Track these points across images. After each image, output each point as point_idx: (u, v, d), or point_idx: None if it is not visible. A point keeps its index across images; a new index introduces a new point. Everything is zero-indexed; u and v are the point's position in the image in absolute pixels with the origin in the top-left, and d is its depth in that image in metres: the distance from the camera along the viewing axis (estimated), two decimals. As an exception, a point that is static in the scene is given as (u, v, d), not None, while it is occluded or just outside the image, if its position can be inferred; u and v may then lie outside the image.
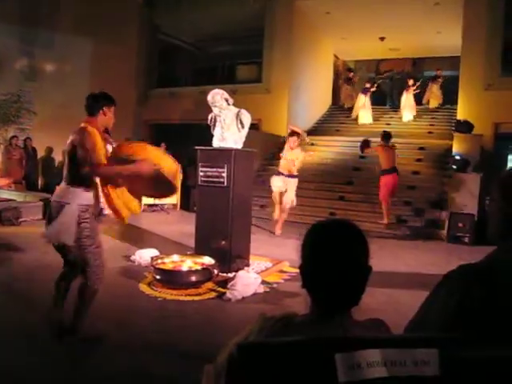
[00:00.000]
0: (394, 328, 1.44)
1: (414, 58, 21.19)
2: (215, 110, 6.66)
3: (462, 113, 13.24)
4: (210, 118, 6.82)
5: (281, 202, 9.52)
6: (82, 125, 3.98)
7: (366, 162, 13.41)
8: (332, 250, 1.29)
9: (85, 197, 3.92)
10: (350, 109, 18.10)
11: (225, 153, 6.58)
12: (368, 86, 17.39)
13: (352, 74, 19.39)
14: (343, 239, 1.31)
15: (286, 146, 9.58)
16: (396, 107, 17.82)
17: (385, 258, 8.05)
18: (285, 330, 1.30)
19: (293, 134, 9.53)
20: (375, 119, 16.92)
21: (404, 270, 7.40)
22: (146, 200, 12.84)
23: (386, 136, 10.93)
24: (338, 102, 19.85)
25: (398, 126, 15.62)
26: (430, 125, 16.00)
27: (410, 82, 16.91)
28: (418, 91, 17.01)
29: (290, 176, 9.47)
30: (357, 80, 19.15)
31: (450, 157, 12.31)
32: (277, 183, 9.50)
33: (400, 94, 17.39)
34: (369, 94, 17.21)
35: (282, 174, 9.51)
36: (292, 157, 9.41)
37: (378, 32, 17.55)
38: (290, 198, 9.37)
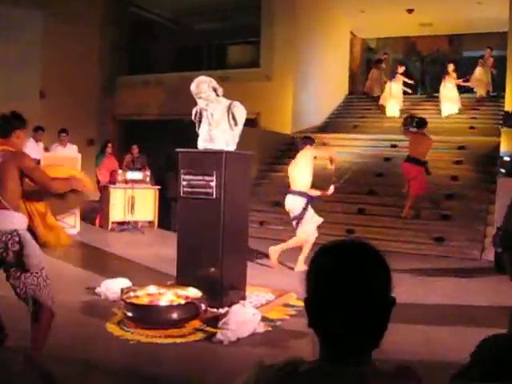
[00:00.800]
0: (429, 374, 1.44)
1: (449, 34, 21.41)
2: (201, 103, 6.66)
3: (511, 103, 13.32)
4: (194, 112, 6.86)
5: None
6: (5, 147, 4.57)
7: (391, 165, 13.49)
8: (344, 278, 1.31)
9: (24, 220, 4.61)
10: (377, 98, 18.19)
11: (213, 156, 6.59)
12: (400, 70, 17.49)
13: (385, 55, 19.58)
14: (357, 265, 1.33)
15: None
16: (428, 94, 17.90)
17: (415, 285, 8.09)
18: (287, 380, 1.30)
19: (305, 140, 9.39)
20: (403, 111, 17.00)
21: (440, 301, 7.48)
22: (116, 216, 12.91)
23: (419, 122, 11.69)
24: (356, 90, 20.00)
25: (433, 120, 15.64)
26: (472, 118, 16.09)
27: (450, 67, 16.89)
28: (466, 83, 16.93)
29: (295, 192, 9.06)
30: (386, 63, 19.34)
31: (497, 158, 12.53)
32: (287, 204, 9.23)
33: (433, 80, 17.43)
34: (398, 79, 17.31)
35: (289, 191, 9.23)
36: (302, 161, 9.07)
37: (406, 3, 17.67)
38: (303, 231, 8.98)
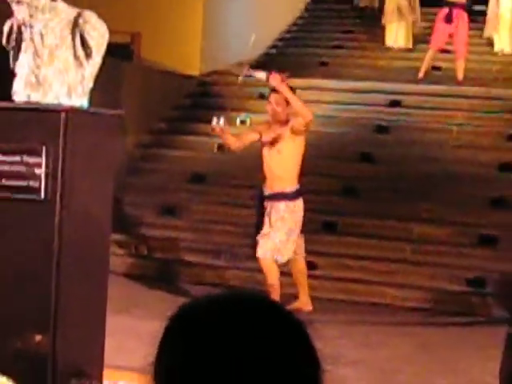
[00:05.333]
0: None
1: None
2: (20, 13, 5.55)
3: None
4: (6, 29, 5.76)
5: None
6: None
7: (390, 140, 11.48)
8: (222, 364, 1.19)
9: None
10: (369, 11, 15.29)
11: (42, 117, 5.51)
12: None
13: None
14: (244, 342, 1.20)
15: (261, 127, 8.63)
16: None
17: (429, 369, 6.95)
18: None
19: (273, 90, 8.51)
20: (417, 40, 14.11)
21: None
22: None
23: None
24: None
25: (472, 58, 13.17)
26: None
27: None
28: None
29: (279, 197, 8.34)
30: None
31: None
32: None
33: None
34: None
35: (266, 197, 8.45)
36: (282, 146, 8.28)
37: None
38: (287, 251, 8.35)
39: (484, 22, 14.48)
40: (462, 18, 12.41)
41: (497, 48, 14.06)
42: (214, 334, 1.19)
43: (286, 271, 8.22)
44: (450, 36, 12.77)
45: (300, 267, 8.58)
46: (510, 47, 14.05)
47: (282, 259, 8.43)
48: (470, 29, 14.61)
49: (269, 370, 1.17)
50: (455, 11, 12.42)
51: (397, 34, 14.41)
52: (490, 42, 14.46)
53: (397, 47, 14.48)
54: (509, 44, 13.99)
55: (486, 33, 14.14)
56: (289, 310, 1.26)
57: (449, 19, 12.43)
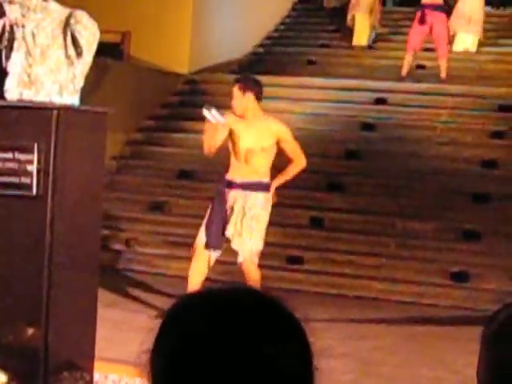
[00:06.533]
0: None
1: None
2: (13, 12, 5.66)
3: None
4: None
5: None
6: None
7: (376, 137, 11.50)
8: (218, 358, 1.19)
9: None
10: (340, 11, 15.03)
11: (34, 114, 5.61)
12: None
13: None
14: (239, 336, 1.19)
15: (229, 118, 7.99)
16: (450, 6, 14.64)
17: (413, 362, 7.02)
18: None
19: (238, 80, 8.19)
20: (384, 40, 14.30)
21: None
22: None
23: None
24: None
25: (457, 56, 13.32)
26: None
27: None
28: None
29: (252, 187, 7.90)
30: None
31: None
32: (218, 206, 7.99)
33: None
34: None
35: (233, 185, 7.94)
36: (254, 137, 7.90)
37: None
38: (249, 245, 7.86)
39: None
40: (436, 18, 12.42)
41: (460, 47, 13.96)
42: (209, 328, 1.20)
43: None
44: (428, 36, 12.71)
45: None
46: (474, 47, 14.04)
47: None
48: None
49: (262, 364, 1.18)
50: (428, 12, 12.45)
51: (359, 33, 14.54)
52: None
53: (360, 45, 14.49)
54: (473, 44, 14.02)
55: (452, 30, 13.97)
56: (284, 305, 1.26)
57: (422, 20, 12.49)
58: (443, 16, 12.54)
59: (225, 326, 1.20)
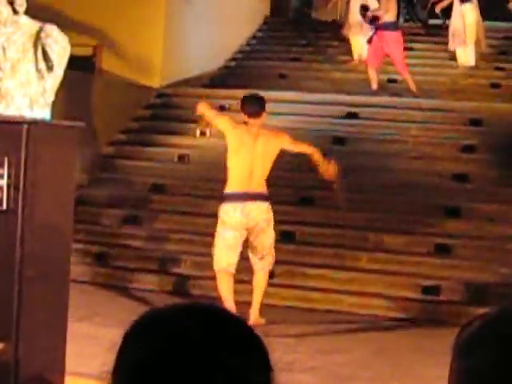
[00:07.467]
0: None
1: None
2: None
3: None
4: None
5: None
6: None
7: (347, 151, 11.41)
8: (178, 372, 1.20)
9: None
10: (329, 24, 15.21)
11: (5, 129, 5.57)
12: None
13: None
14: (199, 351, 1.20)
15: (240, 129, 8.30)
16: (423, 22, 14.82)
17: (384, 375, 6.97)
18: None
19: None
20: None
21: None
22: None
23: None
24: (287, 7, 16.62)
25: (430, 70, 13.38)
26: (497, 68, 13.50)
27: None
28: None
29: (256, 197, 8.31)
30: None
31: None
32: (231, 218, 8.12)
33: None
34: None
35: (238, 198, 8.19)
36: (262, 147, 8.27)
37: None
38: (268, 241, 8.37)
39: (443, 36, 14.48)
40: (386, 37, 12.59)
41: (461, 61, 14.03)
42: (171, 342, 1.22)
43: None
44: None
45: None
46: (475, 60, 14.01)
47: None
48: (425, 42, 14.81)
49: (222, 377, 1.19)
50: (379, 32, 12.67)
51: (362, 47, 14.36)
52: (447, 55, 14.39)
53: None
54: (474, 57, 14.00)
55: (452, 46, 14.10)
56: (243, 320, 1.29)
57: (371, 40, 12.90)
58: (392, 34, 12.64)
59: (186, 339, 1.21)
